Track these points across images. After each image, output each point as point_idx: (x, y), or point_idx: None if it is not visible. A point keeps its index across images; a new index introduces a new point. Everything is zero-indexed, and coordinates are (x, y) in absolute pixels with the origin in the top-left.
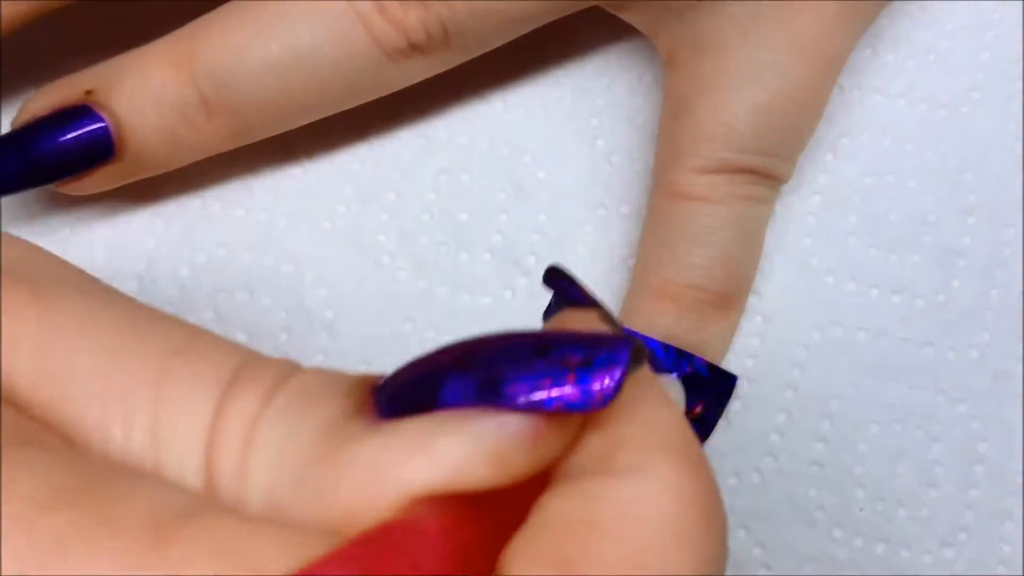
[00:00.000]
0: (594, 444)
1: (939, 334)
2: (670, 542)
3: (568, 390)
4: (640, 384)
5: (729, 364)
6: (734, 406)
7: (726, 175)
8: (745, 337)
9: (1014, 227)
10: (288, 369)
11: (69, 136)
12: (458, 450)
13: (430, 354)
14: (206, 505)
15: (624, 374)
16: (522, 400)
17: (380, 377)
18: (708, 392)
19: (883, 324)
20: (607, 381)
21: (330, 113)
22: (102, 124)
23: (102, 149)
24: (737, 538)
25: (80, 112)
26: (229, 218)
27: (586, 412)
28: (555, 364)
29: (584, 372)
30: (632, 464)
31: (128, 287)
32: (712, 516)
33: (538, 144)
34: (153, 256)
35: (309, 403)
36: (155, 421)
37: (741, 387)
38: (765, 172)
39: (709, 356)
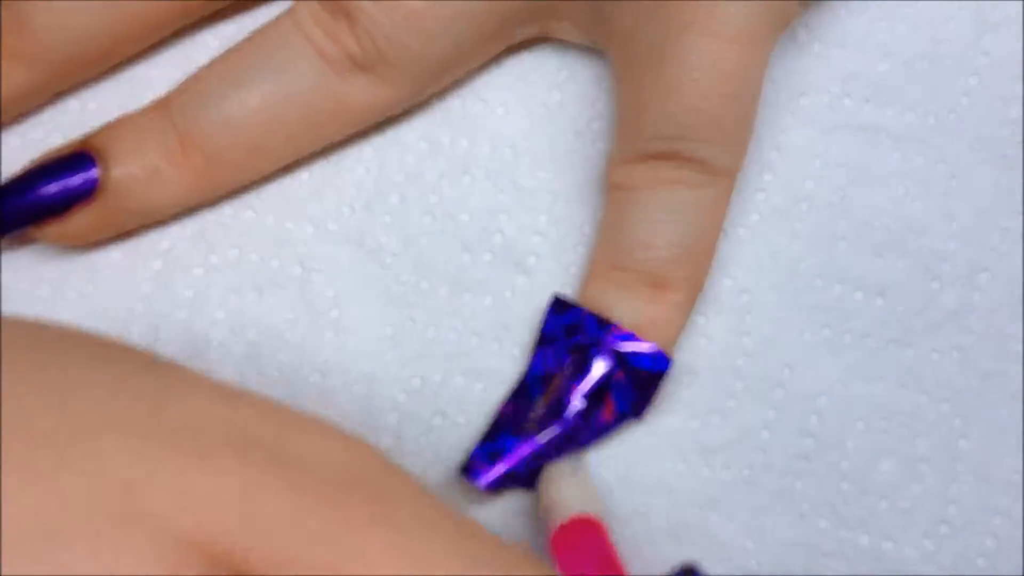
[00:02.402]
0: None
1: (922, 336)
2: None
3: None
4: None
5: (722, 363)
6: (727, 404)
7: (646, 163)
8: (736, 336)
9: (1002, 231)
10: None
11: (55, 174)
12: None
13: None
14: None
15: None
16: None
17: None
18: (637, 368)
19: (868, 326)
20: None
21: (306, 149)
22: (88, 160)
23: (86, 183)
24: (727, 530)
25: (68, 154)
26: (240, 220)
27: None
28: None
29: None
30: None
31: (143, 288)
32: None
33: (539, 147)
34: (167, 257)
35: None
36: None
37: (734, 385)
38: (685, 156)
39: (650, 337)
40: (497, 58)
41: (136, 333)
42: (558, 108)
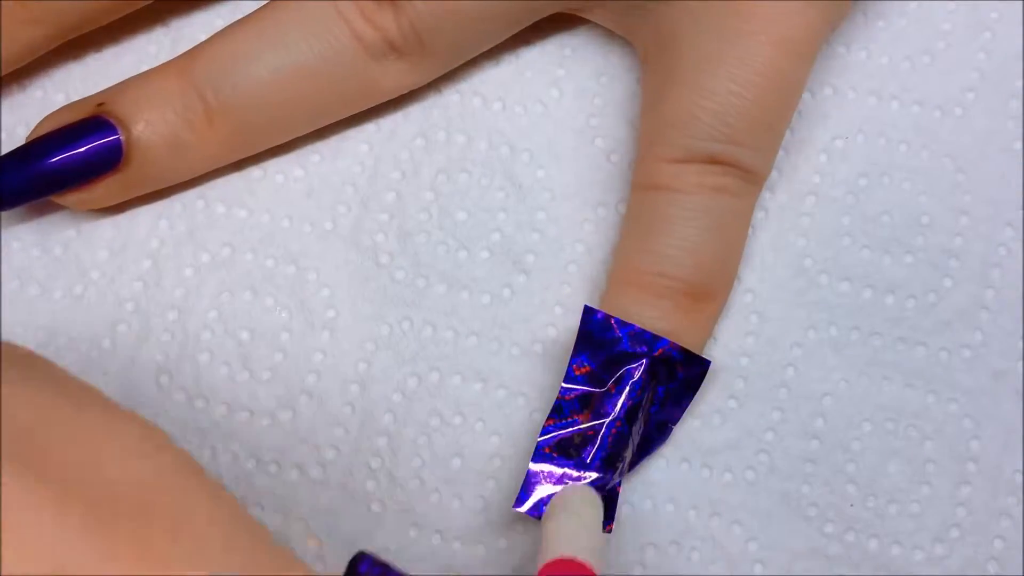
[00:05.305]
0: None
1: (931, 334)
2: None
3: None
4: None
5: (724, 362)
6: (729, 404)
7: (693, 165)
8: (740, 336)
9: (1012, 227)
10: None
11: (79, 143)
12: None
13: None
14: None
15: None
16: None
17: None
18: (679, 377)
19: (876, 324)
20: None
21: (327, 120)
22: (111, 130)
23: (111, 154)
24: (732, 534)
25: (90, 122)
26: (232, 219)
27: None
28: None
29: None
30: None
31: (132, 288)
32: None
33: (537, 143)
34: (157, 256)
35: None
36: None
37: (736, 385)
38: (733, 162)
39: (684, 345)
40: (495, 53)
41: (125, 333)
42: (556, 104)
